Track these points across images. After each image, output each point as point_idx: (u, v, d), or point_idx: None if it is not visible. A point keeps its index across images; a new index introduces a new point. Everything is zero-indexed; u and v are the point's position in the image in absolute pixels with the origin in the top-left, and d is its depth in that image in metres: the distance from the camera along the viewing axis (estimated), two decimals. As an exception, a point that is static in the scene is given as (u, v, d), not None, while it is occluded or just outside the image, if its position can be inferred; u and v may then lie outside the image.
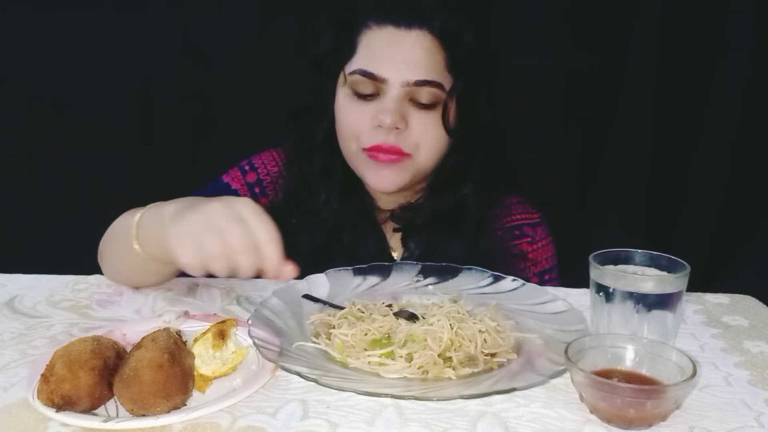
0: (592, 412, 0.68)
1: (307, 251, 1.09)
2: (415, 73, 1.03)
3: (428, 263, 1.02)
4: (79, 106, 1.45)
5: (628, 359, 0.72)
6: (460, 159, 1.13)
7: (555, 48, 1.41)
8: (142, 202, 1.04)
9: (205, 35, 1.43)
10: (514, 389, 0.70)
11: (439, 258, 1.02)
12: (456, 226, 1.13)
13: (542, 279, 1.19)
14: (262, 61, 1.42)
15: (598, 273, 0.82)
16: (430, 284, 0.99)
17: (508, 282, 0.97)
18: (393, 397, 0.69)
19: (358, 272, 1.00)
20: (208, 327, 0.75)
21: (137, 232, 0.89)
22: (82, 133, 1.46)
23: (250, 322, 0.81)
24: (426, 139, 1.07)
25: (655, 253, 0.85)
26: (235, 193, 1.16)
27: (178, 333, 0.74)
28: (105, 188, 1.46)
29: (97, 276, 1.04)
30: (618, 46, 1.41)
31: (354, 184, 1.15)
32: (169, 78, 1.45)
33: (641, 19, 1.39)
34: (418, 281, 1.00)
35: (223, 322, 0.76)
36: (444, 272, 1.00)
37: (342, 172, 1.14)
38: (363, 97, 1.06)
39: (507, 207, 1.21)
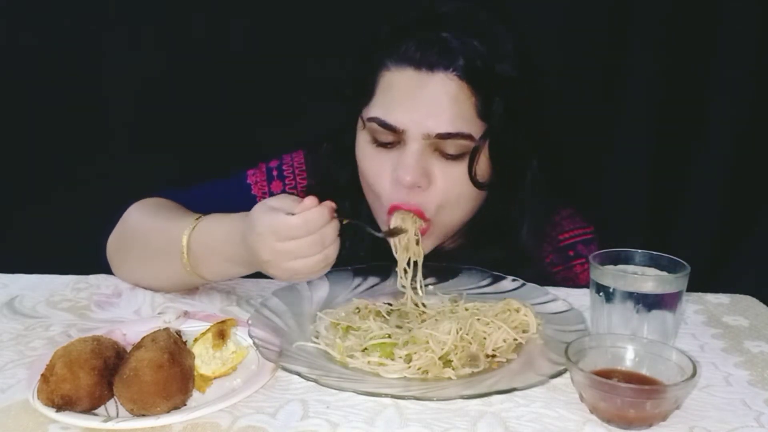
0: (592, 412, 0.68)
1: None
2: (438, 124, 0.89)
3: (428, 263, 1.02)
4: (80, 105, 1.44)
5: (628, 359, 0.72)
6: (506, 204, 1.01)
7: (555, 48, 1.41)
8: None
9: (205, 34, 1.43)
10: (514, 389, 0.70)
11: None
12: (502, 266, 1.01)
13: None
14: (263, 60, 1.42)
15: (598, 273, 0.82)
16: (430, 284, 0.99)
17: (508, 282, 0.97)
18: (393, 397, 0.69)
19: (358, 272, 1.00)
20: (208, 327, 0.75)
21: (188, 255, 0.90)
22: (83, 132, 1.45)
23: (250, 322, 0.81)
24: (451, 196, 0.94)
25: (655, 253, 0.84)
26: (254, 200, 1.08)
27: (178, 333, 0.75)
28: (105, 188, 1.46)
29: (97, 276, 1.04)
30: (618, 46, 1.41)
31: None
32: (169, 78, 1.44)
33: (641, 19, 1.39)
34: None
35: (223, 322, 0.76)
36: (444, 272, 1.00)
37: (369, 213, 1.02)
38: (383, 144, 0.94)
39: (559, 223, 1.11)
